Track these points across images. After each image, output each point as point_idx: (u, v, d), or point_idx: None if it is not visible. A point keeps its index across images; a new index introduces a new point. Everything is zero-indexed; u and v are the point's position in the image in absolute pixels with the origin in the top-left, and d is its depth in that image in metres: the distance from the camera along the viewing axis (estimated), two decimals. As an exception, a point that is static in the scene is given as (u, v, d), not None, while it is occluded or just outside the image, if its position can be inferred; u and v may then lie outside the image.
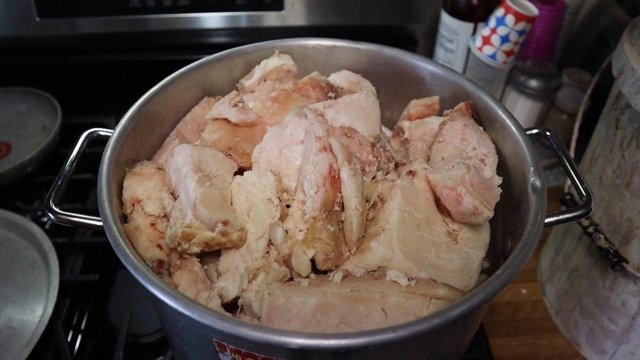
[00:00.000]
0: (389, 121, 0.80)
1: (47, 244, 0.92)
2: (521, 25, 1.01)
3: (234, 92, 0.66)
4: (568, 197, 0.84)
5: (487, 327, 0.92)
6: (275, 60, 0.74)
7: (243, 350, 0.47)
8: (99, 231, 1.01)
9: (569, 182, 0.89)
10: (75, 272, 0.94)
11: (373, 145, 0.59)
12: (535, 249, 1.06)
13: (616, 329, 0.82)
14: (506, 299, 0.98)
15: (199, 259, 0.55)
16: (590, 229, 0.79)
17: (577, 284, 0.87)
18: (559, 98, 1.17)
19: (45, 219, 1.07)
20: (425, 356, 0.53)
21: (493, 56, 1.06)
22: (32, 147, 1.11)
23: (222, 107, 0.64)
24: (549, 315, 0.95)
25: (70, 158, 0.63)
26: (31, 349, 0.78)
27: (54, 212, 0.56)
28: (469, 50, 1.12)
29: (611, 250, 0.76)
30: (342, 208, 0.54)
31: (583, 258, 0.85)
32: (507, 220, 0.63)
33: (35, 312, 0.86)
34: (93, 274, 0.93)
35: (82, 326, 0.90)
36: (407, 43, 1.24)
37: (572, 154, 0.87)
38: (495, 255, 0.63)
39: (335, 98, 0.66)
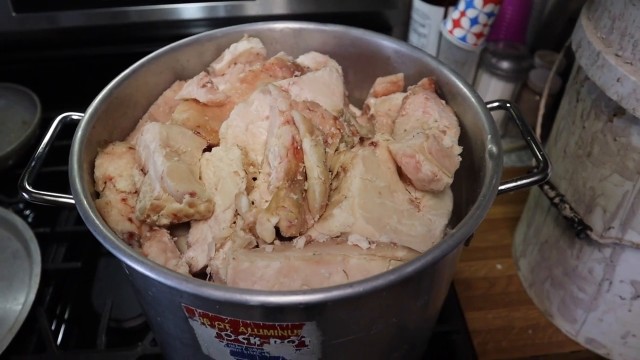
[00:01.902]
0: (358, 101, 0.82)
1: (29, 234, 0.93)
2: (489, 7, 1.03)
3: (202, 73, 0.68)
4: (535, 170, 0.86)
5: (463, 302, 0.95)
6: (244, 44, 0.76)
7: (210, 314, 0.48)
8: (80, 220, 1.03)
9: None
10: (58, 260, 0.95)
11: (336, 118, 0.61)
12: (509, 226, 1.08)
13: (585, 297, 0.85)
14: (482, 275, 1.01)
15: (168, 231, 0.57)
16: (557, 200, 0.81)
17: (548, 256, 0.89)
18: (531, 79, 1.19)
19: (27, 212, 1.09)
20: (389, 319, 0.55)
21: (463, 38, 1.08)
22: (12, 141, 1.12)
23: (191, 88, 0.66)
24: (523, 289, 0.98)
25: (45, 141, 0.65)
26: (13, 334, 0.79)
27: (27, 192, 0.58)
28: (441, 34, 1.14)
29: (576, 219, 0.78)
30: (305, 178, 0.56)
31: (552, 230, 0.87)
32: (470, 189, 0.65)
33: (18, 300, 0.88)
34: (75, 262, 0.94)
35: (66, 312, 0.92)
36: (383, 30, 1.25)
37: (538, 130, 0.90)
38: (460, 224, 0.66)
39: (301, 76, 0.68)
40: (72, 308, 0.93)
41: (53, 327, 0.89)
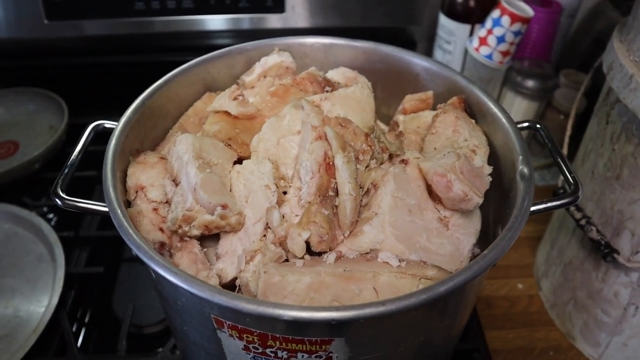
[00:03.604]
0: (385, 117, 0.82)
1: (53, 237, 0.94)
2: (517, 26, 1.03)
3: (234, 86, 0.69)
4: (561, 191, 0.86)
5: (483, 320, 0.94)
6: (274, 57, 0.77)
7: (240, 326, 0.49)
8: (103, 225, 1.04)
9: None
10: (81, 264, 0.96)
11: (367, 135, 0.61)
12: (531, 246, 1.08)
13: (609, 320, 0.83)
14: (503, 294, 1.00)
15: (199, 242, 0.57)
16: (583, 222, 0.80)
17: (571, 278, 0.88)
18: (556, 98, 1.19)
19: (51, 216, 1.10)
20: (416, 337, 0.55)
21: (489, 56, 1.08)
22: (39, 146, 1.13)
23: (223, 100, 0.67)
24: (545, 309, 0.97)
25: (78, 148, 0.66)
26: (37, 336, 0.80)
27: (61, 198, 0.59)
28: (466, 51, 1.14)
29: (603, 242, 0.77)
30: (337, 194, 0.56)
31: (577, 251, 0.86)
32: (498, 209, 0.65)
33: (41, 303, 0.89)
34: (97, 266, 0.95)
35: (87, 316, 0.93)
36: (407, 45, 1.26)
37: (565, 150, 0.89)
38: (488, 244, 0.65)
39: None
40: (93, 312, 0.94)
41: (74, 329, 0.90)
